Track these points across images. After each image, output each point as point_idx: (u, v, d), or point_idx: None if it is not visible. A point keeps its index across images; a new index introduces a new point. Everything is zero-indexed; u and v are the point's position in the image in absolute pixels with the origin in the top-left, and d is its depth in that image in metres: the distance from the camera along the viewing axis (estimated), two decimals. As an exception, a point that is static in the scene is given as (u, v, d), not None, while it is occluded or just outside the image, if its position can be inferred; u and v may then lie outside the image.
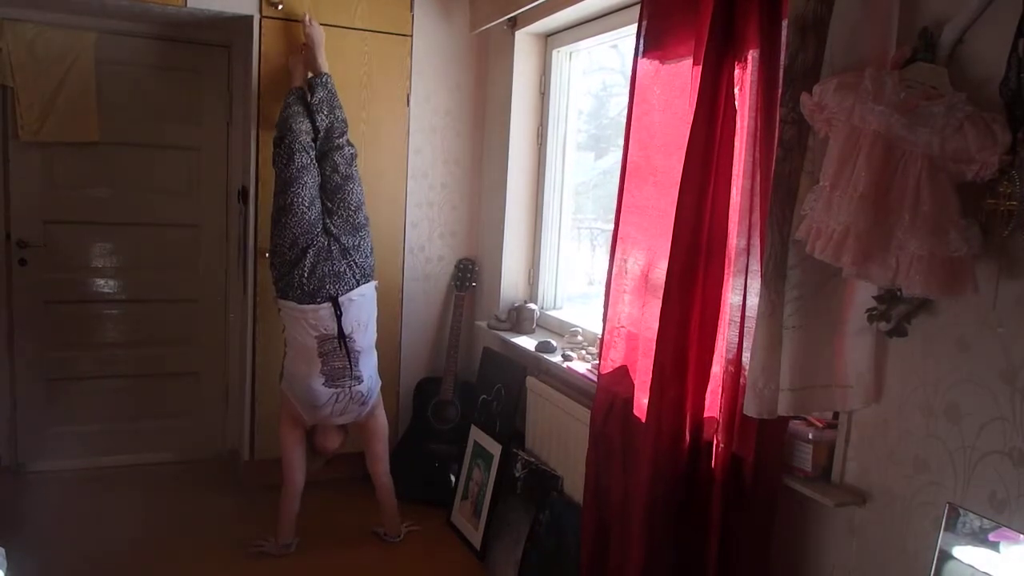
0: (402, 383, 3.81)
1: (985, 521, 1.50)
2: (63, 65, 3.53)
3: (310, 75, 3.31)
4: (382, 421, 3.25)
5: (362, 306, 3.09)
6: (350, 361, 3.03)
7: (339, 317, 3.00)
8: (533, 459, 3.07)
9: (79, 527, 3.25)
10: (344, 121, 3.24)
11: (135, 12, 3.39)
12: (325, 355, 2.99)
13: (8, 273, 3.62)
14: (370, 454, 3.25)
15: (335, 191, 3.12)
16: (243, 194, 3.69)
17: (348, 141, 3.22)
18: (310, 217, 3.04)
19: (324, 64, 3.32)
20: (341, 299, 3.01)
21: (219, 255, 3.97)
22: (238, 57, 3.83)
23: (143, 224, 3.82)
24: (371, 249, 3.17)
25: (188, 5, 3.24)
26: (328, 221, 3.08)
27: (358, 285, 3.08)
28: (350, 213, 3.12)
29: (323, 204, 3.12)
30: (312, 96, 3.21)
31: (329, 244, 3.05)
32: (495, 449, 3.25)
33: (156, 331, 3.91)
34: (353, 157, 3.20)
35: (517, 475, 3.09)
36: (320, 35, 3.34)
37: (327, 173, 3.14)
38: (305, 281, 2.99)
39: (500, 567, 3.04)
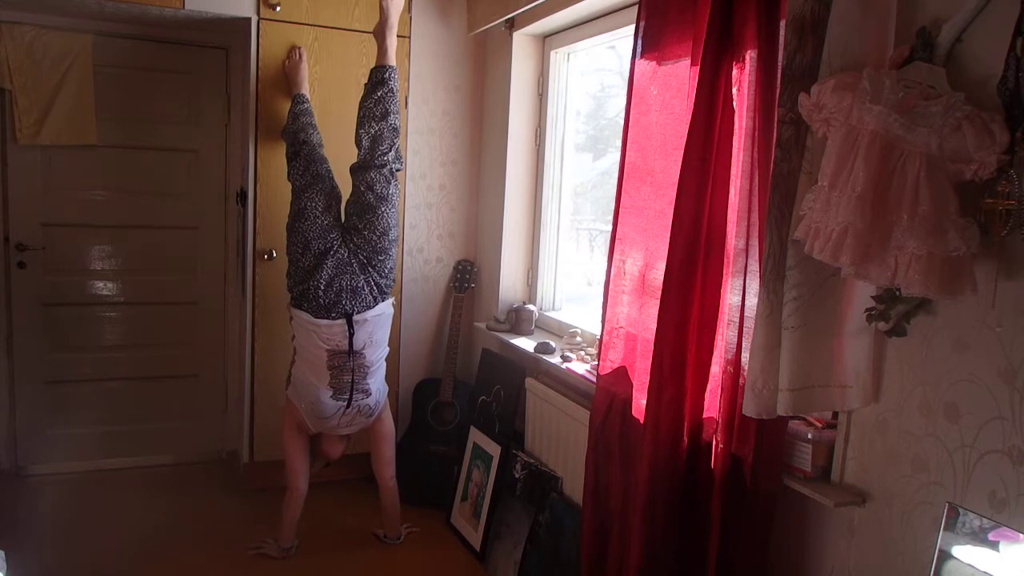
0: (401, 385, 3.81)
1: (985, 520, 1.50)
2: (61, 68, 3.53)
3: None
4: (389, 424, 3.24)
5: (377, 324, 3.04)
6: (359, 376, 3.00)
7: (351, 335, 2.97)
8: (532, 460, 3.06)
9: (79, 530, 3.25)
10: (395, 129, 3.03)
11: (133, 14, 3.39)
12: (334, 368, 2.97)
13: (7, 276, 3.62)
14: (377, 457, 3.24)
15: (365, 210, 2.99)
16: (242, 196, 3.69)
17: (397, 154, 3.05)
18: (323, 223, 2.97)
19: (392, 50, 3.10)
20: (355, 317, 2.96)
21: (218, 257, 3.97)
22: (236, 59, 3.84)
23: (142, 226, 3.82)
24: (392, 267, 3.08)
25: (186, 7, 3.23)
26: (349, 236, 3.02)
27: (375, 303, 3.02)
28: (375, 237, 3.00)
29: (348, 219, 3.05)
30: (370, 95, 3.02)
31: (348, 257, 2.98)
32: (494, 450, 3.25)
33: (155, 333, 3.91)
34: (393, 174, 3.04)
35: (516, 476, 3.09)
36: (398, 6, 3.15)
37: (360, 189, 3.00)
38: (321, 294, 2.93)
39: (500, 568, 3.04)
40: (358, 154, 3.07)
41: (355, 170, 3.06)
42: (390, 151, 3.03)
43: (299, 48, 3.38)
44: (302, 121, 3.17)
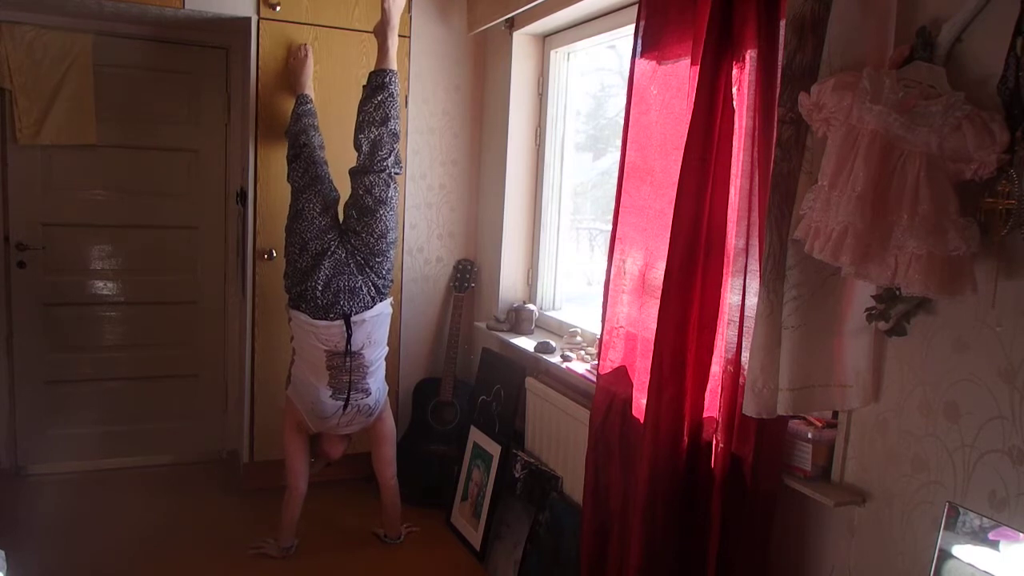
0: (401, 385, 3.81)
1: (985, 520, 1.50)
2: (61, 67, 3.53)
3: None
4: (389, 424, 3.23)
5: (375, 324, 3.03)
6: (359, 376, 3.00)
7: (348, 336, 2.96)
8: (533, 460, 3.06)
9: (79, 530, 3.25)
10: (395, 134, 3.01)
11: (133, 14, 3.39)
12: (333, 368, 2.96)
13: (7, 276, 3.62)
14: (378, 457, 3.23)
15: (363, 213, 2.99)
16: (241, 196, 3.69)
17: (396, 159, 3.04)
18: (321, 224, 2.97)
19: (393, 52, 3.09)
20: (354, 318, 2.95)
21: (218, 257, 3.97)
22: (236, 59, 3.84)
23: (142, 226, 3.82)
24: (390, 269, 3.08)
25: (186, 7, 3.23)
26: (347, 238, 3.02)
27: (373, 303, 3.02)
28: (373, 240, 2.99)
29: (347, 221, 3.05)
30: (369, 99, 3.01)
31: (346, 258, 2.98)
32: (494, 450, 3.25)
33: (155, 333, 3.91)
34: (391, 178, 3.02)
35: (517, 476, 3.09)
36: (399, 6, 3.13)
37: (359, 192, 3.00)
38: (319, 295, 2.93)
39: (500, 568, 3.04)
40: (357, 158, 3.06)
41: (354, 173, 3.06)
42: (389, 156, 3.02)
43: (305, 46, 3.37)
44: (304, 122, 3.17)
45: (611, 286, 2.35)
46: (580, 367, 2.89)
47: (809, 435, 1.89)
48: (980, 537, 1.50)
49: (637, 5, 2.27)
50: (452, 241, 3.89)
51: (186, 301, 3.95)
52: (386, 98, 3.01)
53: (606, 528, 2.36)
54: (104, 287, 3.82)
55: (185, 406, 3.99)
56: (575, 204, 3.66)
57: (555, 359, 3.03)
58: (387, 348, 3.15)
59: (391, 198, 3.03)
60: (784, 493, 1.97)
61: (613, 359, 2.37)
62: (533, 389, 3.12)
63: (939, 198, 1.42)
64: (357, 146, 3.05)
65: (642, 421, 2.12)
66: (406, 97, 3.66)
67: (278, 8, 3.34)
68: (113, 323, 3.85)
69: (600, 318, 2.39)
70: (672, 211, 2.02)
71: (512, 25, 3.46)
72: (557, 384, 3.01)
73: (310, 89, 3.33)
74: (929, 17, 1.60)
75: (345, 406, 3.00)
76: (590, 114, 3.64)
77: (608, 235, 2.37)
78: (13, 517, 3.30)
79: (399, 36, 3.39)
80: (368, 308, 3.00)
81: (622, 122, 2.31)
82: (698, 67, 1.97)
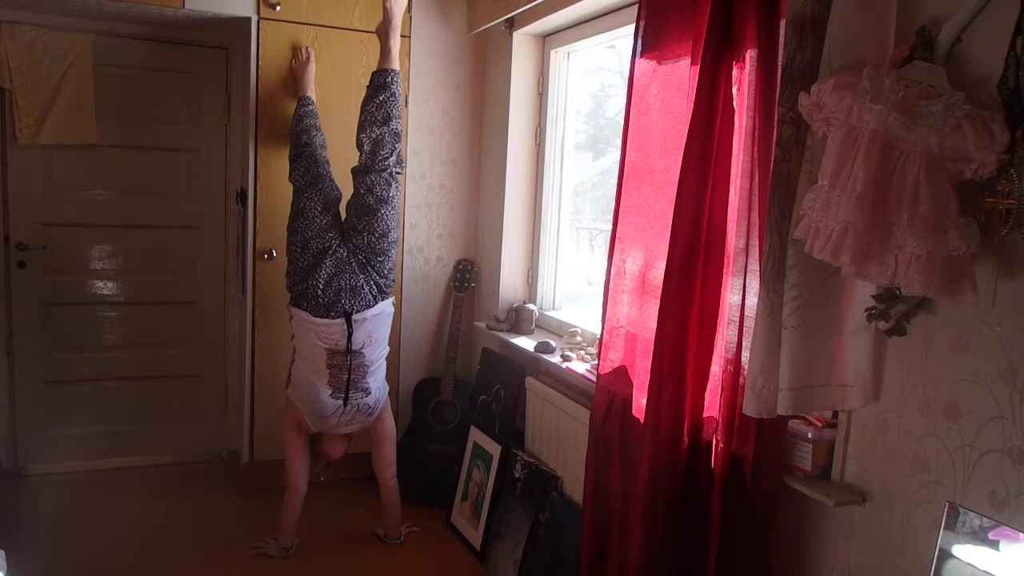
0: (401, 384, 3.81)
1: (985, 520, 1.50)
2: (61, 67, 3.52)
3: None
4: (390, 425, 3.23)
5: (376, 323, 3.03)
6: (359, 375, 3.00)
7: (349, 335, 2.96)
8: (533, 459, 3.06)
9: (79, 530, 3.25)
10: (397, 134, 3.02)
11: (133, 14, 3.39)
12: (334, 367, 2.96)
13: (7, 276, 3.62)
14: (378, 457, 3.23)
15: (364, 212, 2.99)
16: (241, 195, 3.69)
17: (398, 159, 3.04)
18: (322, 222, 2.97)
19: (395, 52, 3.10)
20: (355, 316, 2.95)
21: (218, 257, 3.97)
22: (236, 59, 3.84)
23: (142, 226, 3.82)
24: (392, 268, 3.08)
25: (186, 7, 3.23)
26: (349, 237, 3.02)
27: (374, 302, 3.02)
28: (374, 239, 3.00)
29: (348, 220, 3.05)
30: (372, 99, 3.01)
31: (348, 256, 2.99)
32: (494, 450, 3.25)
33: (155, 333, 3.91)
34: (393, 177, 3.02)
35: (517, 476, 3.09)
36: (401, 6, 3.14)
37: (360, 192, 3.01)
38: (320, 293, 2.93)
39: (500, 568, 3.04)
40: (359, 157, 3.06)
41: (356, 173, 3.06)
42: (391, 156, 3.02)
43: (307, 48, 3.38)
44: (306, 123, 3.17)
45: (611, 286, 2.35)
46: (580, 367, 2.89)
47: (809, 435, 1.89)
48: (980, 537, 1.50)
49: (637, 5, 2.27)
50: (452, 241, 3.89)
51: (186, 301, 3.95)
52: (388, 98, 3.02)
53: (606, 528, 2.36)
54: (104, 287, 3.82)
55: (185, 406, 3.99)
56: (575, 204, 3.66)
57: (555, 359, 3.03)
58: (388, 348, 3.15)
59: (392, 197, 3.04)
60: (784, 493, 1.97)
61: (613, 359, 2.37)
62: (533, 389, 3.12)
63: (939, 198, 1.42)
64: (359, 145, 3.05)
65: (642, 421, 2.12)
66: (406, 97, 3.66)
67: (278, 8, 3.34)
68: (113, 323, 3.85)
69: (600, 318, 2.40)
70: (672, 211, 2.02)
71: (512, 25, 3.46)
72: (557, 384, 3.01)
73: (312, 91, 3.34)
74: (929, 17, 1.60)
75: (344, 404, 3.00)
76: (590, 114, 3.64)
77: (608, 235, 2.37)
78: (13, 517, 3.30)
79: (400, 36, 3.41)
80: (369, 307, 3.01)
81: (622, 122, 2.31)
82: (698, 67, 1.97)
